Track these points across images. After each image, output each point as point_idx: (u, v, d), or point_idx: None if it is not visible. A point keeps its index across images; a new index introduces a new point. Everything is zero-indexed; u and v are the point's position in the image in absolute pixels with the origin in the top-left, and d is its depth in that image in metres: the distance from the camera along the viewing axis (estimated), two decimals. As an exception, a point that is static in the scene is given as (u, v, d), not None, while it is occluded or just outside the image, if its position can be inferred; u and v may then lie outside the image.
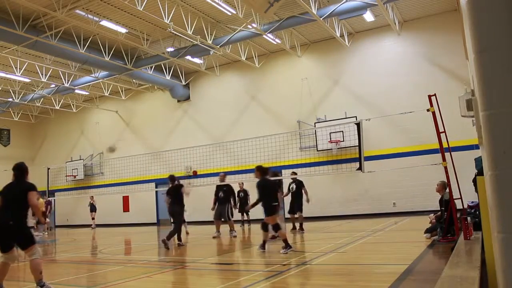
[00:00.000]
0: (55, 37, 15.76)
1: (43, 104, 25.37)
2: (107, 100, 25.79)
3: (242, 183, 16.42)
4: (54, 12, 13.82)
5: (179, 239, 10.98)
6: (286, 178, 14.87)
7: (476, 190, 5.02)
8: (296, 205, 12.62)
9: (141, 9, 13.51)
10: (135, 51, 19.07)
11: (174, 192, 11.11)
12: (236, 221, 16.73)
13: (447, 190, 8.33)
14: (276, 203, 8.94)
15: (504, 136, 1.94)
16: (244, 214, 16.48)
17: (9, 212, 5.58)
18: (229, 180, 14.57)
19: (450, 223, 8.21)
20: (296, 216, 12.72)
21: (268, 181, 9.18)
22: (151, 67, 20.04)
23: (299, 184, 12.81)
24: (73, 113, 26.52)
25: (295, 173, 13.46)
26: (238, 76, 21.67)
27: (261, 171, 9.19)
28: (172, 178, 11.34)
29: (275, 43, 18.56)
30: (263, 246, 8.91)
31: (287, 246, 8.39)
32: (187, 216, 13.44)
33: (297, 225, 12.83)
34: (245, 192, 16.22)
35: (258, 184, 9.03)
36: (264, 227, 8.95)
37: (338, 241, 9.98)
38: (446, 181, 8.33)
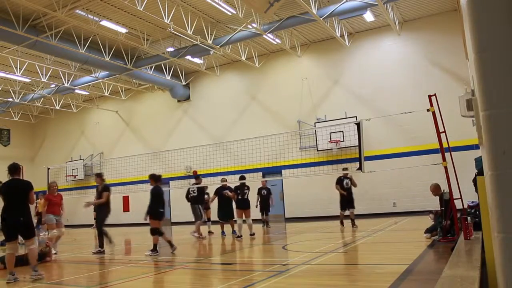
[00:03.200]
0: (55, 37, 15.76)
1: (43, 104, 25.38)
2: (107, 100, 25.79)
3: (266, 181, 15.81)
4: (54, 12, 13.83)
5: (101, 245, 10.32)
6: (256, 181, 14.72)
7: (476, 190, 5.01)
8: (351, 202, 12.99)
9: (141, 9, 13.52)
10: (135, 51, 19.07)
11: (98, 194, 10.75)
12: (256, 220, 16.32)
13: (447, 190, 8.32)
14: (163, 210, 9.66)
15: (504, 136, 1.94)
16: (264, 214, 15.22)
17: (18, 209, 6.63)
18: (229, 180, 14.49)
19: (450, 223, 8.21)
20: (348, 213, 13.07)
21: (161, 189, 9.79)
22: (151, 67, 20.04)
23: (351, 180, 13.13)
24: (73, 113, 26.52)
25: (346, 169, 13.24)
26: (238, 76, 21.67)
27: (154, 179, 9.82)
28: (98, 174, 11.24)
29: (275, 43, 18.56)
30: (154, 249, 9.32)
31: (155, 250, 9.24)
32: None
33: (347, 221, 13.24)
34: (268, 190, 15.12)
35: (153, 191, 9.66)
36: (153, 232, 9.50)
37: (338, 241, 9.98)
38: (437, 182, 8.39)
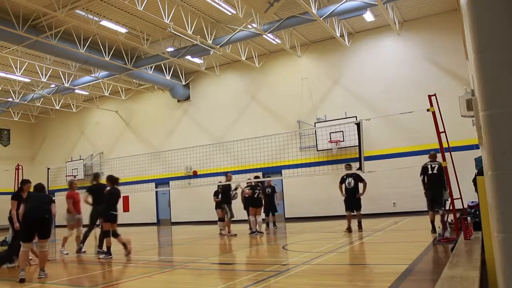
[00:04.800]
0: (55, 37, 15.76)
1: (43, 104, 25.37)
2: (107, 100, 25.79)
3: (270, 180, 15.28)
4: (54, 12, 13.82)
5: (101, 245, 9.98)
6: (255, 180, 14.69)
7: (476, 190, 5.02)
8: (355, 202, 11.60)
9: (141, 9, 13.51)
10: (135, 51, 19.07)
11: (97, 192, 10.32)
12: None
13: (447, 190, 8.33)
14: (116, 213, 9.46)
15: (504, 136, 1.94)
16: (270, 213, 14.63)
17: (43, 208, 7.10)
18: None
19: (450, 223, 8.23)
20: (354, 213, 11.65)
21: (116, 190, 9.60)
22: (151, 67, 20.04)
23: (357, 178, 11.54)
24: (73, 113, 26.52)
25: (349, 165, 11.72)
26: (238, 76, 21.67)
27: (111, 180, 9.64)
28: (96, 175, 10.89)
29: (275, 43, 18.56)
30: (108, 252, 9.24)
31: (108, 253, 9.18)
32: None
33: (356, 223, 11.77)
34: (273, 189, 14.57)
35: (108, 192, 9.57)
36: (112, 234, 9.42)
37: (338, 241, 9.98)
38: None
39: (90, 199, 10.34)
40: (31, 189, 8.09)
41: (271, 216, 14.78)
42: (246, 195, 13.04)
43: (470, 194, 8.45)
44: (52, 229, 8.26)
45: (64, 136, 28.08)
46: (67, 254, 10.24)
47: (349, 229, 11.42)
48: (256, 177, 13.58)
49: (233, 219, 13.13)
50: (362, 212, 14.24)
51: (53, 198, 7.76)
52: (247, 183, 13.68)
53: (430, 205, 9.74)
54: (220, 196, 13.32)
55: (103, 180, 10.66)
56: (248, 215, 13.09)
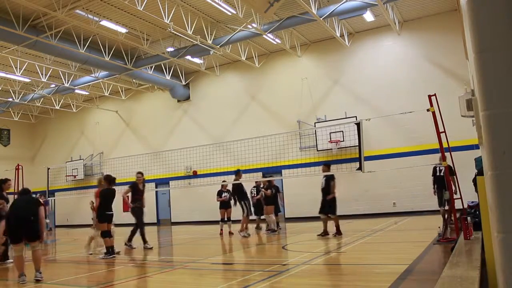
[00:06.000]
0: (55, 37, 15.76)
1: (43, 104, 25.37)
2: (107, 100, 25.79)
3: (274, 180, 14.90)
4: (54, 12, 13.82)
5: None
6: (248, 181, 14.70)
7: (476, 190, 5.02)
8: (327, 204, 10.83)
9: (141, 9, 13.51)
10: (135, 51, 19.06)
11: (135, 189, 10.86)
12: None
13: (447, 190, 8.32)
14: (111, 213, 9.51)
15: (504, 136, 1.94)
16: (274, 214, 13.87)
17: (29, 210, 6.86)
18: (230, 180, 14.55)
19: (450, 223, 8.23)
20: (325, 216, 10.97)
21: (111, 190, 9.60)
22: (151, 67, 20.04)
23: (329, 179, 10.87)
24: (73, 113, 26.52)
25: (326, 166, 11.23)
26: (238, 76, 21.67)
27: (108, 180, 9.68)
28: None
29: (275, 43, 18.56)
30: (107, 253, 9.22)
31: (108, 253, 9.16)
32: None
33: (328, 227, 10.95)
34: (277, 189, 14.05)
35: (101, 192, 9.58)
36: (103, 235, 9.39)
37: (338, 241, 9.98)
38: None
39: (129, 195, 10.72)
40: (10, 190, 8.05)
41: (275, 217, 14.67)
42: (254, 196, 13.49)
43: (470, 194, 8.44)
44: (46, 230, 8.24)
45: (64, 136, 28.08)
46: (91, 254, 10.18)
47: (325, 234, 10.86)
48: (265, 177, 13.81)
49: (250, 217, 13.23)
50: (362, 212, 14.08)
51: (40, 200, 7.63)
52: (256, 183, 14.15)
53: (440, 202, 9.88)
54: (226, 195, 13.58)
55: (145, 176, 11.02)
56: (258, 215, 13.72)
